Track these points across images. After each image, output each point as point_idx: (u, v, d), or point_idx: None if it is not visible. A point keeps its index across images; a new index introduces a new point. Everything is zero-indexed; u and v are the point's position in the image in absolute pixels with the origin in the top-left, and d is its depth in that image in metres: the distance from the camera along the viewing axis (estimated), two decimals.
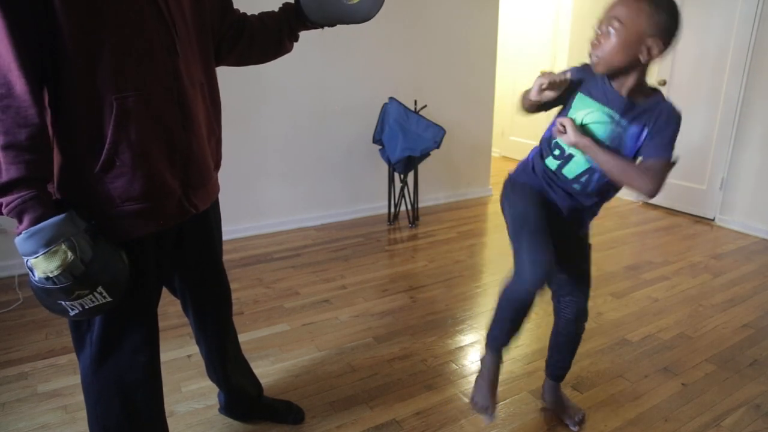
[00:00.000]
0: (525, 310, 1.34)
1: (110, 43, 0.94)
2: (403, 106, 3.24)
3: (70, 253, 0.90)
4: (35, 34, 0.87)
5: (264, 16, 1.32)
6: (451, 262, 2.93)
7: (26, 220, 0.88)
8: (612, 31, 1.17)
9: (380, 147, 3.34)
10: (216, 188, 1.30)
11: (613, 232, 3.45)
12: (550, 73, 1.24)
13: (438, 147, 3.23)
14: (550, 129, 1.39)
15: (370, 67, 3.51)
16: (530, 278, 1.27)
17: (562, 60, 4.79)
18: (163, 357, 2.00)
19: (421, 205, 3.89)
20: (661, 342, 2.13)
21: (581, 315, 1.54)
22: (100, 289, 0.95)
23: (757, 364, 1.97)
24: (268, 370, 1.93)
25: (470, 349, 2.07)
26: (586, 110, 1.29)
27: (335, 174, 3.58)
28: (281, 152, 3.32)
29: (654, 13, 1.14)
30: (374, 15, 1.24)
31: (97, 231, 0.98)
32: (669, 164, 1.24)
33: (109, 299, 0.98)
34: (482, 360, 1.46)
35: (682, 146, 3.74)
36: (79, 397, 1.77)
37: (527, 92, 1.33)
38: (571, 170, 1.34)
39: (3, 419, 1.67)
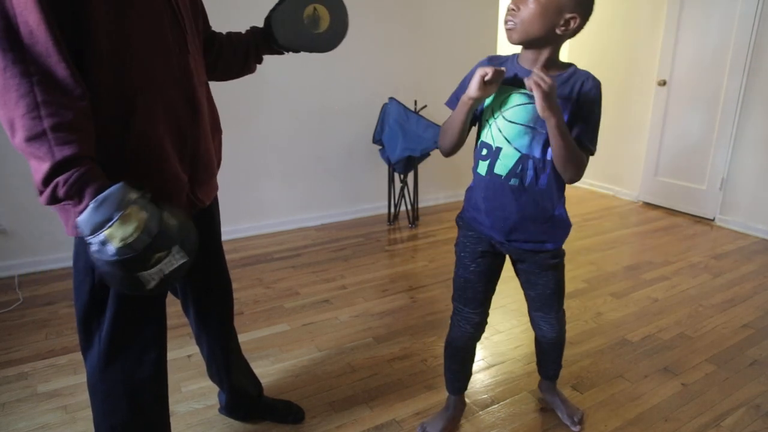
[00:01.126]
0: (465, 356, 1.57)
1: (133, 37, 0.95)
2: (403, 106, 3.24)
3: (143, 212, 0.88)
4: (70, 22, 0.88)
5: (232, 35, 1.36)
6: (451, 262, 2.92)
7: (89, 193, 0.87)
8: None
9: (380, 147, 3.34)
10: (216, 185, 1.31)
11: (613, 232, 3.45)
12: (489, 66, 1.18)
13: (438, 147, 3.23)
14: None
15: (370, 67, 3.50)
16: (458, 333, 1.52)
17: (562, 59, 4.79)
18: None
19: (421, 205, 3.89)
20: (661, 342, 2.13)
21: (554, 328, 1.53)
22: (176, 248, 0.92)
23: (757, 364, 1.97)
24: (268, 370, 1.92)
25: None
26: (501, 97, 1.24)
27: (335, 174, 3.58)
28: (281, 152, 3.32)
29: None
30: (336, 47, 1.34)
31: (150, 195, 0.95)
32: (592, 153, 1.25)
33: (186, 258, 0.93)
34: (447, 400, 1.65)
35: (682, 146, 3.74)
36: (80, 397, 1.77)
37: (454, 114, 1.26)
38: (503, 165, 1.26)
39: (3, 419, 1.67)
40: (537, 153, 1.24)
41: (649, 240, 3.31)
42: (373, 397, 1.78)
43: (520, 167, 1.25)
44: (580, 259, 2.98)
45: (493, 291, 1.48)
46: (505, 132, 1.25)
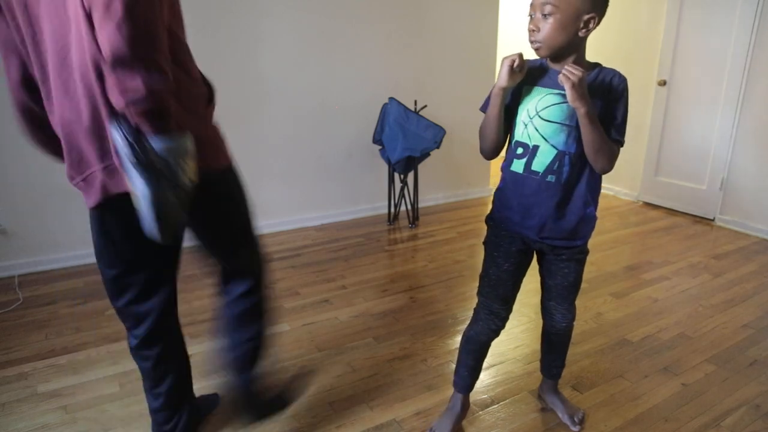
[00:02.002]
0: (484, 352, 1.57)
1: (173, 29, 1.07)
2: (403, 106, 3.24)
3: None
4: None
5: None
6: (451, 262, 2.93)
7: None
8: (547, 14, 1.18)
9: (380, 147, 3.34)
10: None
11: (613, 232, 3.45)
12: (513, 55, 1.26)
13: (438, 147, 3.23)
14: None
15: (370, 67, 3.51)
16: (483, 329, 1.52)
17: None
18: None
19: (421, 205, 3.89)
20: (661, 342, 2.13)
21: (566, 317, 1.54)
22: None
23: (757, 364, 1.97)
24: (269, 370, 1.92)
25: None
26: (537, 98, 1.29)
27: (335, 174, 3.58)
28: (281, 152, 3.33)
29: None
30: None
31: None
32: (621, 145, 1.29)
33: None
34: (452, 398, 1.64)
35: (682, 146, 3.74)
36: (79, 397, 1.78)
37: (489, 111, 1.31)
38: (540, 163, 1.30)
39: (3, 419, 1.67)
40: (573, 149, 1.28)
41: (649, 240, 3.31)
42: (373, 397, 1.78)
43: (557, 164, 1.29)
44: None
45: (520, 287, 1.50)
46: (542, 130, 1.29)
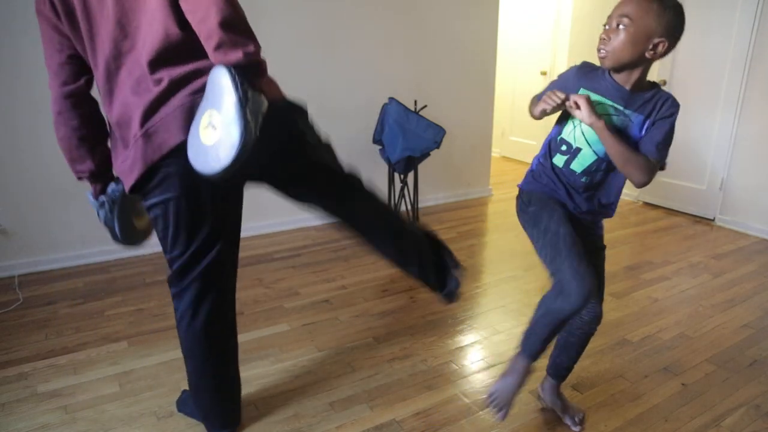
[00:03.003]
0: (565, 323, 1.38)
1: None
2: (403, 106, 3.24)
3: None
4: None
5: None
6: None
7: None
8: (621, 27, 1.23)
9: (380, 147, 3.34)
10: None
11: (613, 232, 3.45)
12: (557, 95, 1.29)
13: (438, 147, 3.23)
14: (555, 129, 1.43)
15: (370, 67, 3.50)
16: (577, 297, 1.26)
17: (562, 60, 4.79)
18: (164, 357, 2.01)
19: (421, 205, 3.89)
20: (661, 342, 2.13)
21: (596, 317, 1.55)
22: None
23: (757, 364, 1.97)
24: (268, 370, 1.93)
25: (470, 349, 2.07)
26: (596, 106, 1.32)
27: None
28: None
29: (662, 12, 1.20)
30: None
31: None
32: (662, 165, 1.34)
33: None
34: (515, 362, 1.46)
35: (682, 146, 3.74)
36: (79, 397, 1.78)
37: (535, 100, 1.39)
38: (579, 164, 1.37)
39: (3, 419, 1.67)
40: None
41: (649, 240, 3.31)
42: (373, 397, 1.78)
43: (594, 168, 1.36)
44: None
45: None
46: (588, 135, 1.34)
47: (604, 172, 1.37)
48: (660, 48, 1.22)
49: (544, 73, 5.05)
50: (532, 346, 1.42)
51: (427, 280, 1.67)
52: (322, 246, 3.18)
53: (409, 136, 3.17)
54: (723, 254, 3.07)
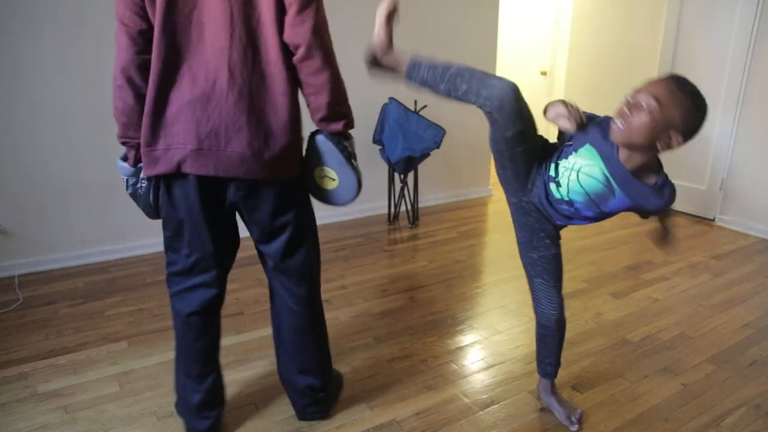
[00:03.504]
0: (560, 330, 1.58)
1: None
2: (403, 106, 3.24)
3: None
4: None
5: None
6: (451, 262, 2.93)
7: None
8: (646, 107, 1.16)
9: (380, 147, 3.34)
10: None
11: (613, 232, 3.45)
12: (574, 110, 1.30)
13: (438, 147, 3.23)
14: (556, 151, 1.42)
15: None
16: (547, 311, 1.54)
17: (562, 60, 4.79)
18: (164, 357, 2.01)
19: (421, 205, 3.89)
20: (661, 342, 2.13)
21: (556, 309, 1.55)
22: None
23: (757, 364, 1.97)
24: (268, 370, 1.92)
25: (470, 349, 2.07)
26: (589, 162, 1.31)
27: None
28: None
29: (690, 108, 1.15)
30: (348, 201, 1.48)
31: None
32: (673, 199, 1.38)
33: None
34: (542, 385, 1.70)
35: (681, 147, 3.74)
36: (79, 397, 1.78)
37: (550, 108, 1.38)
38: (555, 191, 1.39)
39: (3, 419, 1.67)
40: (582, 210, 1.39)
41: (649, 240, 3.31)
42: (373, 397, 1.78)
43: (563, 205, 1.40)
44: (580, 259, 2.98)
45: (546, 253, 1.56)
46: (572, 182, 1.35)
47: (572, 208, 1.40)
48: (673, 142, 1.19)
49: (544, 73, 5.05)
50: (541, 361, 1.66)
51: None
52: (322, 246, 3.18)
53: (409, 136, 3.17)
54: (723, 254, 3.07)
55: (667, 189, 1.30)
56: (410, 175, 3.60)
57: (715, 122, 3.53)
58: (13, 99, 2.55)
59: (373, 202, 3.79)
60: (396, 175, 3.53)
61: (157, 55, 1.25)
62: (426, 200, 4.00)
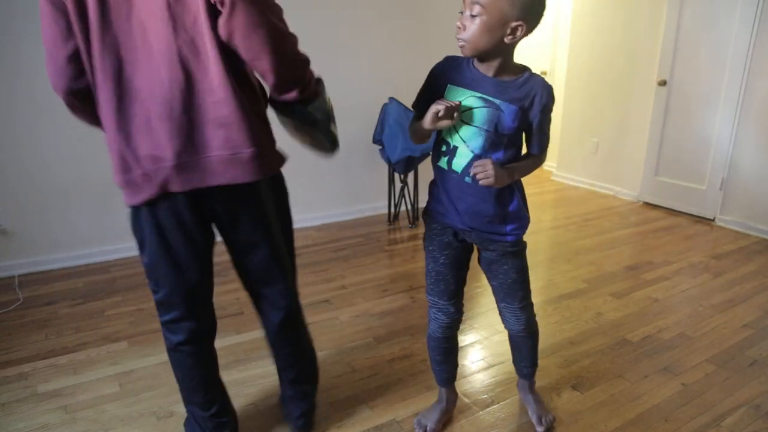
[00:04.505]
0: (447, 347, 1.57)
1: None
2: (403, 106, 3.24)
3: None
4: None
5: None
6: None
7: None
8: (474, 15, 1.17)
9: (380, 147, 3.34)
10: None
11: (613, 232, 3.45)
12: (445, 101, 1.23)
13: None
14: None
15: (370, 67, 3.50)
16: (434, 326, 1.53)
17: (562, 60, 4.79)
18: (164, 357, 2.00)
19: (421, 205, 3.89)
20: (661, 342, 2.13)
21: (520, 320, 1.52)
22: None
23: (757, 364, 1.97)
24: (268, 370, 1.92)
25: (470, 349, 2.07)
26: (459, 99, 1.28)
27: (335, 174, 3.58)
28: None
29: None
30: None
31: None
32: (544, 155, 1.38)
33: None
34: (439, 391, 1.67)
35: (682, 146, 3.74)
36: (79, 397, 1.78)
37: (417, 124, 1.31)
38: (458, 164, 1.31)
39: (3, 419, 1.67)
40: (490, 155, 1.29)
41: (649, 240, 3.31)
42: (373, 397, 1.78)
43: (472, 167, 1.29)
44: (580, 259, 2.98)
45: (464, 281, 1.51)
46: (461, 132, 1.30)
47: None
48: (519, 32, 1.17)
49: (544, 73, 5.05)
50: (436, 372, 1.64)
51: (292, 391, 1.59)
52: (322, 246, 3.18)
53: (409, 136, 3.17)
54: (723, 254, 3.07)
55: (538, 77, 1.28)
56: (410, 175, 3.60)
57: (715, 122, 3.53)
58: (13, 99, 2.56)
59: (373, 202, 3.79)
60: (396, 175, 3.53)
61: (103, 74, 1.10)
62: (426, 200, 3.99)
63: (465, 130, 1.29)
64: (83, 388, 1.83)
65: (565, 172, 4.75)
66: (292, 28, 1.27)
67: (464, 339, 2.14)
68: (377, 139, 3.32)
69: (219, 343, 1.53)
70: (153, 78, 1.11)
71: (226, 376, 1.80)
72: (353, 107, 3.49)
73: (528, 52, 5.20)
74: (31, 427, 1.64)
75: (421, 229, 3.49)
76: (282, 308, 1.44)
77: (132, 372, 1.92)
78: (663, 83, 3.78)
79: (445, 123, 1.23)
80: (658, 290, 2.60)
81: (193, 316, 1.36)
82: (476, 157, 1.28)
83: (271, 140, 1.32)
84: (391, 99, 3.28)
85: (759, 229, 3.37)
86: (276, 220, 1.36)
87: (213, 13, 1.07)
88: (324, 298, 2.50)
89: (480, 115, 1.26)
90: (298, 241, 3.24)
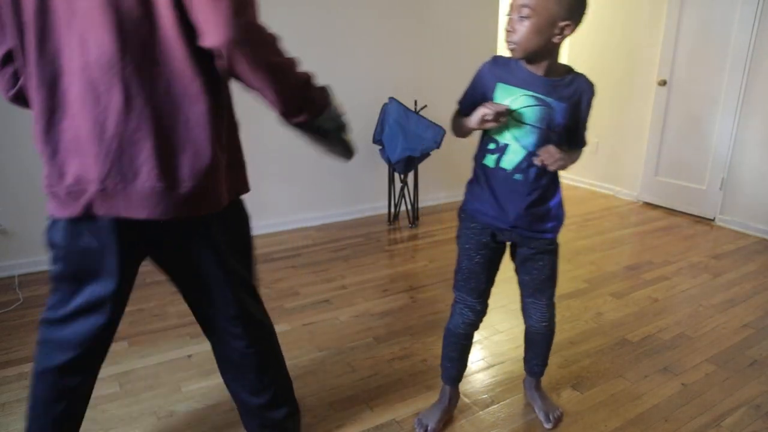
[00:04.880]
0: (465, 344, 1.59)
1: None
2: (403, 106, 3.24)
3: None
4: None
5: None
6: (451, 262, 2.92)
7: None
8: (523, 17, 1.20)
9: (380, 147, 3.34)
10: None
11: (613, 232, 3.46)
12: (493, 104, 1.27)
13: (438, 147, 3.23)
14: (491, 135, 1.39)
15: (370, 67, 3.50)
16: (458, 321, 1.54)
17: (562, 60, 4.78)
18: (163, 357, 2.01)
19: (421, 205, 3.89)
20: (661, 342, 2.13)
21: (544, 316, 1.55)
22: None
23: (757, 364, 1.97)
24: None
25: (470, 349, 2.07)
26: (511, 98, 1.31)
27: (335, 174, 3.58)
28: (281, 152, 3.32)
29: None
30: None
31: None
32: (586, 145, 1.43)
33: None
34: (441, 389, 1.68)
35: (682, 146, 3.74)
36: None
37: (462, 120, 1.37)
38: (509, 161, 1.35)
39: (3, 419, 1.67)
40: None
41: (649, 240, 3.31)
42: (373, 397, 1.78)
43: (525, 164, 1.34)
44: (580, 259, 2.98)
45: (493, 281, 1.53)
46: (513, 131, 1.33)
47: (536, 167, 1.33)
48: (566, 31, 1.21)
49: None
50: (446, 369, 1.64)
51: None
52: (322, 246, 3.18)
53: (409, 136, 3.17)
54: (723, 254, 3.07)
55: (583, 75, 1.33)
56: (410, 175, 3.60)
57: (715, 122, 3.53)
58: None
59: (373, 202, 3.79)
60: (396, 175, 3.53)
61: (38, 79, 1.01)
62: (426, 200, 4.00)
63: (517, 129, 1.32)
64: None
65: (565, 172, 4.76)
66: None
67: None
68: (377, 139, 3.33)
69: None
70: (88, 94, 1.00)
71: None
72: (353, 107, 3.47)
73: None
74: None
75: (420, 229, 3.49)
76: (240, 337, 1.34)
77: (132, 372, 1.92)
78: (663, 83, 3.78)
79: (491, 125, 1.29)
80: (658, 290, 2.60)
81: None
82: (530, 154, 1.32)
83: (222, 174, 1.17)
84: (391, 99, 3.28)
85: (759, 229, 3.37)
86: (231, 254, 1.25)
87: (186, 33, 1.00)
88: (324, 298, 2.50)
89: (533, 113, 1.30)
90: (298, 241, 3.26)
